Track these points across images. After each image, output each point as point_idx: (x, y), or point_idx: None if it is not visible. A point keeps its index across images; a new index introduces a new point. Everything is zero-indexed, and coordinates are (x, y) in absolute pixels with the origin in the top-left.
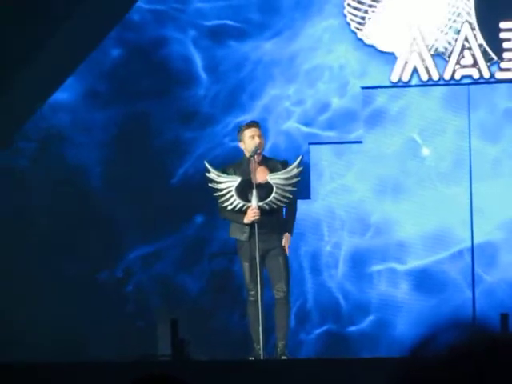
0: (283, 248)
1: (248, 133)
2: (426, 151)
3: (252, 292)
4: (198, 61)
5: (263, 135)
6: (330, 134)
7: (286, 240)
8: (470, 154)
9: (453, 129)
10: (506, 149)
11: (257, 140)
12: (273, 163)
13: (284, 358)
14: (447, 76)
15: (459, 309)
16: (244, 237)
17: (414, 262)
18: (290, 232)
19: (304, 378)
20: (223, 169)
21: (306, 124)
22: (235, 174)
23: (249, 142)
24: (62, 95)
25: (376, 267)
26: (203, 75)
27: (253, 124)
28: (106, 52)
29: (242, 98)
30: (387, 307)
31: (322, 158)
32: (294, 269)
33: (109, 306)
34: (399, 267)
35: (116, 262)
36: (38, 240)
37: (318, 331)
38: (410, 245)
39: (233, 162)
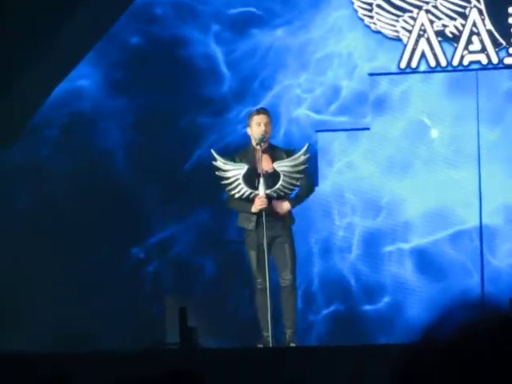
0: (289, 235)
1: (256, 119)
2: (434, 134)
3: (259, 280)
4: (217, 52)
5: (272, 123)
6: (341, 120)
7: (281, 206)
8: (479, 137)
9: (461, 113)
10: None
11: (262, 128)
12: (278, 152)
13: (292, 345)
14: (455, 62)
15: (468, 291)
16: (251, 226)
17: (418, 242)
18: (291, 203)
19: (313, 366)
20: (230, 157)
21: (316, 111)
22: (241, 162)
23: (255, 128)
24: (83, 82)
25: (387, 248)
26: (222, 66)
27: (262, 111)
28: (126, 40)
29: (255, 85)
30: (399, 289)
31: (329, 144)
32: (303, 255)
33: (123, 292)
34: (406, 247)
35: (132, 248)
36: (62, 227)
37: (329, 312)
38: (419, 226)
39: (239, 150)
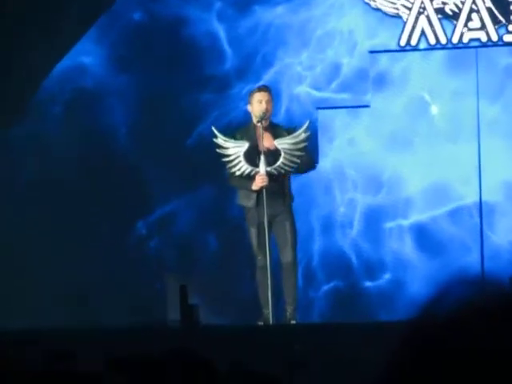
0: (289, 213)
1: (257, 97)
2: (434, 110)
3: (259, 257)
4: (219, 29)
5: (274, 100)
6: (341, 97)
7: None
8: (478, 114)
9: (460, 90)
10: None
11: (264, 105)
12: (279, 130)
13: (293, 322)
14: (455, 39)
15: (467, 268)
16: (251, 203)
17: (418, 218)
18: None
19: (314, 343)
20: (231, 134)
21: (317, 88)
22: (242, 139)
23: (256, 106)
24: (86, 59)
25: (388, 225)
26: (224, 43)
27: (263, 88)
28: (129, 17)
29: (256, 62)
30: (399, 265)
31: (330, 121)
32: (303, 231)
33: (125, 268)
34: (406, 223)
35: (134, 224)
36: (65, 202)
37: (329, 288)
38: (420, 202)
39: (240, 127)
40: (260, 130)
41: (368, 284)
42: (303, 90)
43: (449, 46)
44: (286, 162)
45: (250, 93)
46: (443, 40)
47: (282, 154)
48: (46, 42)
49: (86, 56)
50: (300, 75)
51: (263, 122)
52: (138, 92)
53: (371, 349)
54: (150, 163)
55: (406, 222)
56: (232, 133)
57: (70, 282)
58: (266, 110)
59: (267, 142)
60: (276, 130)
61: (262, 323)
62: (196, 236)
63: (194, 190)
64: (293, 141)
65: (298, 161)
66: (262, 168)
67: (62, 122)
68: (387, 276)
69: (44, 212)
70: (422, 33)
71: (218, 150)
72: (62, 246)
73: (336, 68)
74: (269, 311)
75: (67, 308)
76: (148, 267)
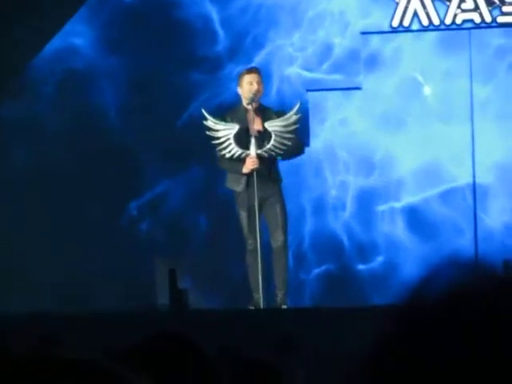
0: (280, 195)
1: (247, 78)
2: (427, 90)
3: (250, 241)
4: (211, 10)
5: (264, 82)
6: (333, 78)
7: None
8: (472, 95)
9: (453, 71)
10: (507, 91)
11: (255, 86)
12: (269, 113)
13: (284, 307)
14: (448, 21)
15: (460, 251)
16: (240, 187)
17: (411, 200)
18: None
19: (305, 328)
20: (221, 116)
21: (309, 69)
22: (232, 121)
23: (247, 87)
24: (77, 40)
25: (380, 207)
26: (216, 24)
27: (252, 70)
28: None
29: (247, 43)
30: (392, 248)
31: (321, 103)
32: (294, 214)
33: (115, 250)
34: (399, 205)
35: (125, 205)
36: (57, 183)
37: (321, 271)
38: (412, 184)
39: (230, 109)
40: (251, 113)
41: (360, 267)
42: (294, 71)
43: (442, 28)
44: (277, 145)
45: (240, 75)
46: (436, 21)
47: (273, 136)
48: (35, 20)
49: (77, 37)
50: (291, 56)
51: (253, 104)
52: (129, 73)
53: (362, 332)
54: (141, 144)
55: (398, 204)
56: (222, 115)
57: (59, 267)
58: (257, 91)
59: (257, 124)
60: (266, 113)
61: (253, 307)
62: (186, 218)
63: (184, 170)
64: (283, 123)
65: (289, 143)
66: (253, 150)
67: (53, 103)
68: (380, 259)
69: (34, 194)
70: (415, 14)
71: (207, 133)
72: (51, 230)
73: (327, 49)
74: (259, 295)
75: (55, 293)
76: (139, 250)
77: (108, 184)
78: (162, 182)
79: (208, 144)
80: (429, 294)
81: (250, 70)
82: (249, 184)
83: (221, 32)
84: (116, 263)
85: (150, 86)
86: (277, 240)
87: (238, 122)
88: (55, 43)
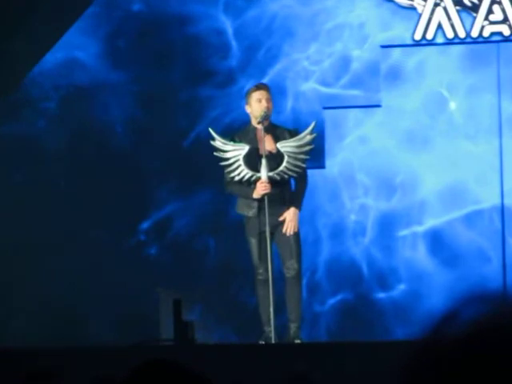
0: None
1: (255, 95)
2: (452, 106)
3: (260, 270)
4: (224, 21)
5: (276, 98)
6: (351, 93)
7: (292, 215)
8: (500, 111)
9: (480, 85)
10: None
11: (264, 104)
12: (281, 131)
13: (297, 341)
14: (475, 33)
15: (487, 279)
16: (252, 212)
17: (434, 223)
18: (298, 206)
19: (319, 364)
20: (229, 137)
21: (325, 84)
22: (241, 142)
23: (255, 105)
24: (80, 53)
25: (402, 232)
26: (229, 36)
27: (261, 86)
28: (127, 8)
29: (261, 56)
30: (414, 276)
31: (338, 121)
32: (308, 241)
33: (117, 276)
34: (421, 229)
35: (130, 229)
36: (58, 201)
37: (336, 301)
38: (435, 206)
39: (238, 129)
40: (261, 132)
41: (381, 295)
42: (310, 86)
43: (468, 41)
44: (290, 167)
45: (247, 92)
46: (462, 34)
47: (286, 157)
48: (30, 30)
49: (80, 50)
50: (307, 70)
51: (264, 122)
52: (135, 89)
53: (382, 369)
54: (147, 163)
55: (420, 228)
56: (230, 135)
57: (57, 293)
58: (267, 108)
59: (269, 144)
60: (277, 132)
61: (264, 342)
62: (194, 243)
63: (192, 192)
64: (297, 143)
65: (303, 165)
66: (264, 173)
67: (55, 120)
68: (401, 287)
69: (33, 216)
70: (439, 26)
71: (215, 153)
72: (50, 254)
73: (346, 63)
74: (271, 329)
75: (53, 323)
76: (141, 277)
77: (112, 205)
78: (167, 205)
79: (217, 164)
80: (453, 330)
81: (258, 87)
82: (260, 209)
83: (233, 43)
84: (116, 291)
85: (157, 102)
86: (290, 269)
87: (247, 142)
88: (57, 56)
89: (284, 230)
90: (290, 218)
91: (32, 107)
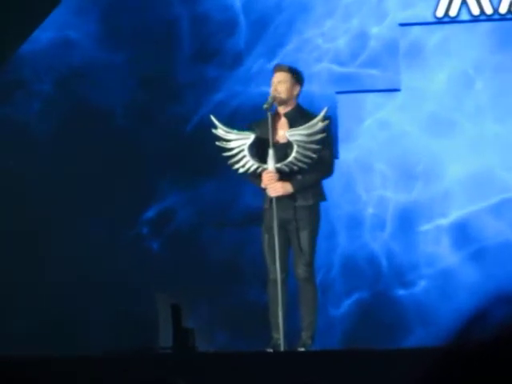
0: (308, 219)
1: (273, 79)
2: (478, 87)
3: (271, 269)
4: None
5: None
6: (369, 73)
7: (278, 185)
8: None
9: (509, 65)
10: None
11: (276, 88)
12: (305, 118)
13: (301, 349)
14: (503, 9)
15: None
16: (267, 203)
17: (459, 214)
18: (294, 185)
19: (331, 375)
20: (248, 125)
21: (341, 63)
22: (254, 131)
23: (271, 89)
24: (74, 34)
25: (425, 226)
26: (238, 13)
27: (277, 67)
28: None
29: (270, 34)
30: (438, 271)
31: (353, 105)
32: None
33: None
34: (445, 221)
35: (127, 221)
36: (48, 195)
37: (356, 299)
38: (461, 195)
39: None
40: (270, 118)
41: (401, 292)
42: (324, 66)
43: (495, 18)
44: (299, 157)
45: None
46: (489, 10)
47: (295, 147)
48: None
49: (74, 30)
50: (321, 49)
51: (279, 107)
52: (134, 70)
53: (401, 380)
54: (147, 151)
55: (444, 221)
56: (248, 124)
57: (44, 294)
58: (277, 92)
59: (279, 133)
60: (300, 118)
61: (271, 350)
62: (195, 239)
63: (195, 183)
64: (307, 131)
65: (314, 155)
66: (271, 164)
67: (49, 104)
68: (424, 284)
69: (28, 203)
70: (463, 1)
71: (217, 143)
72: (44, 243)
73: (363, 41)
74: (279, 336)
75: (41, 329)
76: (141, 274)
77: (110, 194)
78: (169, 196)
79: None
80: (481, 334)
81: (274, 68)
82: (273, 202)
83: (242, 20)
84: (113, 291)
85: (158, 84)
86: (299, 272)
87: (262, 130)
88: (48, 36)
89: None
90: (272, 183)
91: (25, 89)
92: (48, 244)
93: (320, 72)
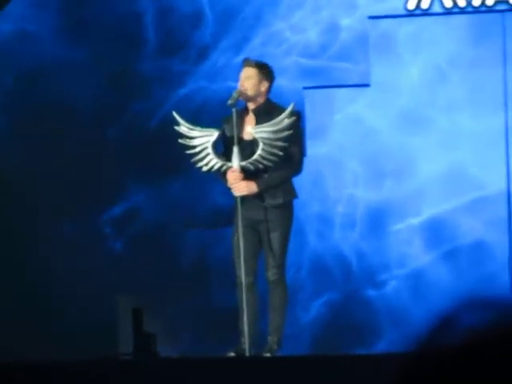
0: (278, 218)
1: (240, 74)
2: (452, 81)
3: (237, 272)
4: None
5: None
6: (339, 66)
7: (243, 185)
8: (506, 86)
9: (484, 59)
10: None
11: (243, 84)
12: (276, 113)
13: (267, 355)
14: (476, 2)
15: (490, 276)
16: (236, 202)
17: (432, 213)
18: (260, 184)
19: (291, 381)
20: (221, 119)
21: (310, 56)
22: (222, 126)
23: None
24: (31, 27)
25: (397, 226)
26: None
27: (245, 63)
28: None
29: (239, 27)
30: (409, 271)
31: (321, 100)
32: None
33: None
34: (417, 220)
35: (92, 219)
36: (8, 193)
37: (326, 300)
38: (433, 194)
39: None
40: (235, 115)
41: (371, 293)
42: (292, 59)
43: (469, 10)
44: (265, 155)
45: None
46: (462, 2)
47: (261, 144)
48: None
49: (31, 23)
50: (289, 41)
51: (248, 103)
52: (96, 65)
53: None
54: (111, 146)
55: (416, 220)
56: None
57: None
58: (243, 87)
59: (245, 130)
60: (268, 115)
61: (234, 354)
62: (159, 239)
63: (160, 180)
64: (273, 128)
65: (280, 153)
66: (236, 162)
67: (14, 96)
68: (393, 283)
69: None
70: None
71: (180, 141)
72: (11, 239)
73: (333, 34)
74: (245, 340)
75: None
76: (103, 276)
77: (73, 192)
78: (133, 195)
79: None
80: (451, 338)
81: (243, 63)
82: (241, 200)
83: (207, 12)
84: (71, 294)
85: (121, 79)
86: (268, 273)
87: (229, 127)
88: (7, 28)
89: None
90: (237, 182)
91: None
92: (7, 243)
93: (289, 66)
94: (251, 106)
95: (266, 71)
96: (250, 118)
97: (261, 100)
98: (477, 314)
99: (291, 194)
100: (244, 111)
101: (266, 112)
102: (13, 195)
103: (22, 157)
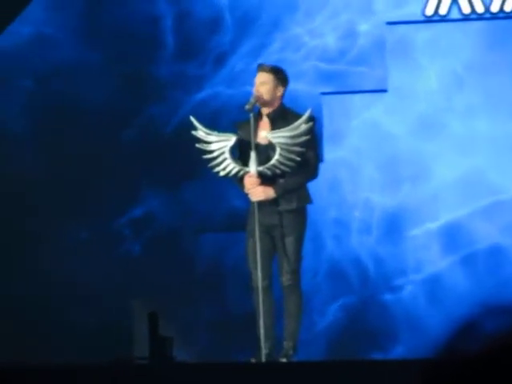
0: (293, 224)
1: (255, 79)
2: (468, 87)
3: (253, 276)
4: None
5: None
6: (357, 71)
7: (260, 190)
8: None
9: (501, 65)
10: None
11: (258, 89)
12: (291, 119)
13: (283, 360)
14: (494, 8)
15: (508, 285)
16: (251, 207)
17: (449, 218)
18: (277, 190)
19: None
20: (233, 124)
21: (328, 61)
22: (237, 131)
23: (254, 90)
24: (49, 30)
25: (413, 228)
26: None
27: (260, 68)
28: None
29: (258, 30)
30: (427, 277)
31: (338, 105)
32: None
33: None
34: (435, 225)
35: (106, 226)
36: (23, 195)
37: (340, 305)
38: (451, 198)
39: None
40: (252, 120)
41: (389, 298)
42: (310, 64)
43: (487, 16)
44: (282, 160)
45: None
46: (480, 8)
47: (278, 149)
48: None
49: (51, 26)
50: (307, 46)
51: (262, 108)
52: (113, 69)
53: None
54: (127, 152)
55: (433, 225)
56: (234, 124)
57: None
58: (259, 92)
59: (262, 135)
60: (283, 119)
61: (255, 360)
62: (174, 244)
63: (176, 185)
64: (291, 133)
65: (297, 158)
66: (253, 167)
67: (33, 99)
68: (410, 288)
69: (5, 205)
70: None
71: (197, 145)
72: (14, 254)
73: (351, 39)
74: (261, 345)
75: (19, 337)
76: (118, 281)
77: (88, 198)
78: (149, 199)
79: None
80: (472, 346)
81: (257, 69)
82: (257, 205)
83: (227, 17)
84: (87, 299)
85: (138, 83)
86: (283, 278)
87: (244, 132)
88: (27, 31)
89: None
90: (254, 187)
91: (6, 85)
92: (23, 243)
93: (307, 70)
94: (266, 110)
95: (281, 76)
96: (264, 123)
97: (276, 105)
98: (496, 321)
99: (306, 199)
100: (259, 116)
101: (281, 117)
102: (27, 197)
103: (40, 159)
